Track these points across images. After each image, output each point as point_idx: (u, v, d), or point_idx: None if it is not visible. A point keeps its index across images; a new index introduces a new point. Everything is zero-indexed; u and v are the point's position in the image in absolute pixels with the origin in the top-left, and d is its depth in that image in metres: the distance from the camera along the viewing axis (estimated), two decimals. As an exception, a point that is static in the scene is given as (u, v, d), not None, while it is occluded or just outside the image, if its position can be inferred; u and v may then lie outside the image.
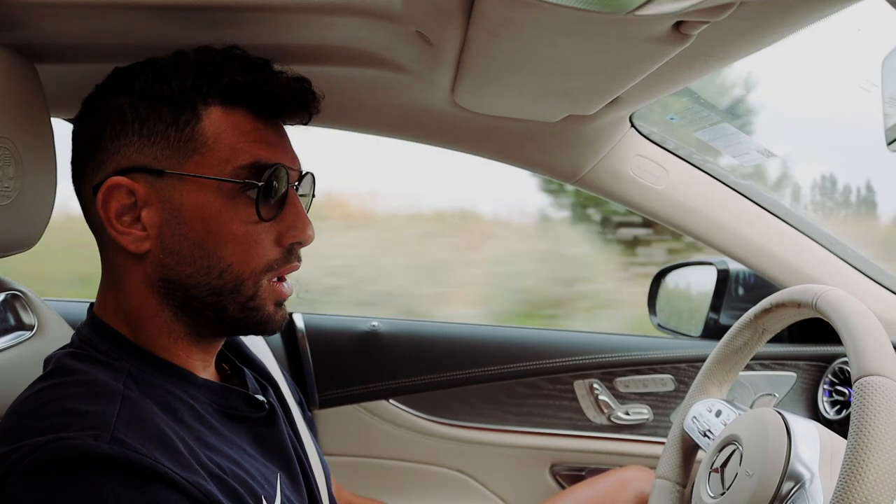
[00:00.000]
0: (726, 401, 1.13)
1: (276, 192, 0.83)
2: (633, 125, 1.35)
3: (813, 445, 0.90)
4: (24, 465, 0.67)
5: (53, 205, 0.93)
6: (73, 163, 0.87)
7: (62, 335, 1.08)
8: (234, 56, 0.85)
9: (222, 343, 0.93)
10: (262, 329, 0.87)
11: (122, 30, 0.92)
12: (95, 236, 0.87)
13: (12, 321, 1.04)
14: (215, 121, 0.81)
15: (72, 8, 0.88)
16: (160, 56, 0.86)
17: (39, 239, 0.95)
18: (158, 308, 0.84)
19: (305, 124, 0.92)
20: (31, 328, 1.05)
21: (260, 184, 0.81)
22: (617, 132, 1.33)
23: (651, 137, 1.37)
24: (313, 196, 0.94)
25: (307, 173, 0.90)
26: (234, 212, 0.81)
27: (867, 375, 0.77)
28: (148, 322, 0.84)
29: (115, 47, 0.94)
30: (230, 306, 0.83)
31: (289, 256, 0.86)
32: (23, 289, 1.09)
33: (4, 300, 1.04)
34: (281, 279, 0.87)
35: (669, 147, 1.39)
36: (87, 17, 0.90)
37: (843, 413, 1.50)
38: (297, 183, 0.88)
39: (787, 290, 1.01)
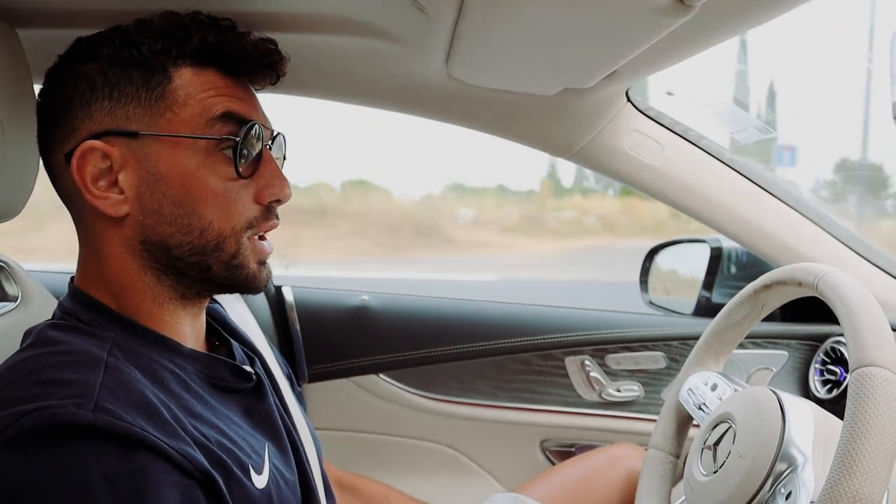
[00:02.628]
0: (722, 374, 1.12)
1: (252, 148, 0.84)
2: (629, 100, 1.33)
3: (807, 427, 0.89)
4: (6, 435, 0.66)
5: (37, 173, 0.91)
6: (40, 134, 0.86)
7: (46, 306, 1.06)
8: (200, 19, 0.85)
9: (206, 303, 0.92)
10: (248, 286, 0.87)
11: None
12: (68, 206, 0.86)
13: (-5, 292, 1.02)
14: (186, 80, 0.82)
15: None
16: (125, 23, 0.85)
17: (23, 208, 0.93)
18: (141, 272, 0.83)
19: (273, 85, 0.91)
20: (14, 299, 1.03)
21: (237, 139, 0.81)
22: (613, 107, 1.31)
23: (647, 113, 1.36)
24: (285, 158, 0.94)
25: (278, 133, 0.91)
26: (212, 169, 0.81)
27: (866, 366, 0.76)
28: (131, 288, 0.83)
29: (99, 13, 0.93)
30: (214, 265, 0.83)
31: (268, 214, 0.86)
32: (6, 259, 1.07)
33: (-13, 271, 1.02)
34: (261, 237, 0.88)
35: (665, 123, 1.37)
36: None
37: (835, 392, 1.50)
38: (270, 143, 0.88)
39: (790, 266, 1.00)
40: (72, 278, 0.87)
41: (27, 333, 0.82)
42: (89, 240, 0.84)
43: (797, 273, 0.97)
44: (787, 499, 0.84)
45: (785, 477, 0.86)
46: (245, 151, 0.83)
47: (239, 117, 0.83)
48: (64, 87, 0.82)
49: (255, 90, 0.90)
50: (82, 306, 0.83)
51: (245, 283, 0.86)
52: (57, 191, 0.86)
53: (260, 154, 0.85)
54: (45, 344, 0.77)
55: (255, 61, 0.86)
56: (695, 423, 1.11)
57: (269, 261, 0.90)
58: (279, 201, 0.87)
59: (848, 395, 0.76)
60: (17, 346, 0.80)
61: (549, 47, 0.93)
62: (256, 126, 0.84)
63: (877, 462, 0.71)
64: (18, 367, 0.74)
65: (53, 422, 0.66)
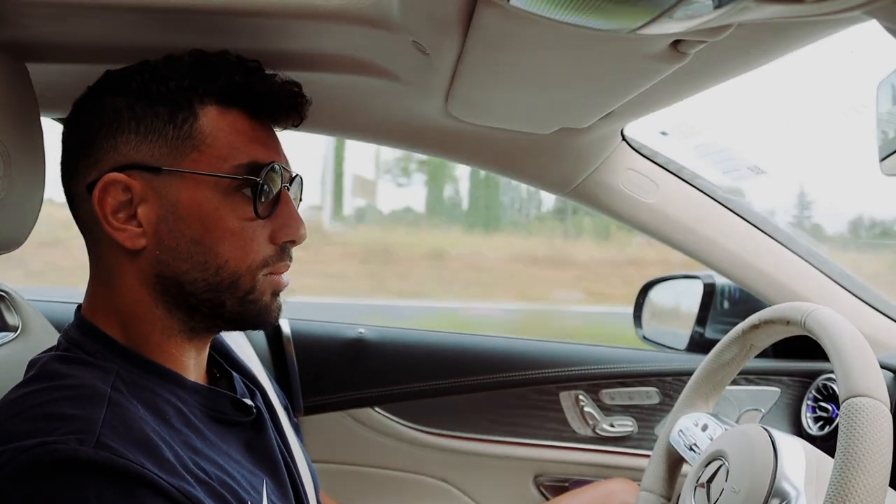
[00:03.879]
0: (712, 415, 1.13)
1: (271, 190, 0.85)
2: (624, 139, 1.35)
3: (799, 463, 0.90)
4: (8, 469, 0.66)
5: (41, 204, 0.92)
6: (63, 162, 0.87)
7: (46, 336, 1.07)
8: (228, 59, 0.86)
9: (212, 338, 0.93)
10: (260, 322, 0.88)
11: (114, 31, 0.92)
12: (85, 235, 0.87)
13: (-5, 322, 1.03)
14: (212, 120, 0.83)
15: (63, 7, 0.87)
16: (153, 59, 0.86)
17: (27, 238, 0.94)
18: (153, 305, 0.84)
19: (296, 127, 0.93)
20: (14, 329, 1.04)
21: (258, 180, 0.82)
22: (609, 145, 1.33)
23: (642, 151, 1.38)
24: (300, 200, 0.95)
25: (297, 175, 0.92)
26: (232, 208, 0.82)
27: (855, 396, 0.78)
28: (141, 320, 0.84)
29: (107, 49, 0.94)
30: (228, 301, 0.84)
31: (282, 255, 0.87)
32: (7, 289, 1.08)
33: (-11, 301, 1.03)
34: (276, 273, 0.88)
35: (660, 161, 1.39)
36: (78, 16, 0.89)
37: (826, 430, 1.50)
38: (288, 184, 0.89)
39: (776, 307, 1.01)
40: (79, 307, 0.87)
41: (31, 364, 0.82)
42: (103, 270, 0.85)
43: (785, 312, 0.99)
44: None
45: None
46: (264, 193, 0.84)
47: (261, 164, 0.84)
48: (91, 118, 0.84)
49: (278, 126, 0.92)
50: (88, 337, 0.83)
51: (257, 318, 0.87)
52: (75, 218, 0.87)
53: (279, 195, 0.86)
54: (50, 377, 0.77)
55: (279, 103, 0.87)
56: (686, 464, 1.11)
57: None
58: (294, 242, 0.88)
59: (839, 425, 0.78)
60: (16, 376, 0.81)
61: (547, 89, 0.95)
62: (277, 167, 0.85)
63: (870, 490, 0.73)
64: (22, 400, 0.74)
65: (55, 457, 0.67)
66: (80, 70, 0.88)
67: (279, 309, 0.89)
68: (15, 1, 0.85)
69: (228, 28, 0.91)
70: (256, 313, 0.86)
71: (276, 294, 0.88)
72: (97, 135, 0.82)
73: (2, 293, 1.06)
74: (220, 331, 0.92)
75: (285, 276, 0.89)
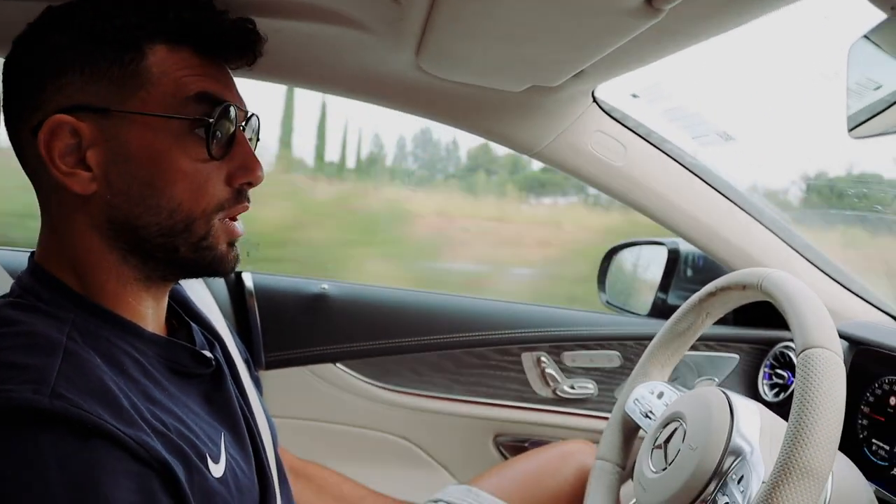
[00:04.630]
0: (668, 383, 1.15)
1: (225, 129, 0.82)
2: (595, 100, 1.34)
3: (754, 422, 0.93)
4: None
5: None
6: (5, 105, 0.83)
7: (1, 283, 1.04)
8: None
9: (170, 287, 0.91)
10: (215, 269, 0.86)
11: None
12: (33, 181, 0.84)
13: (-54, 267, 1.00)
14: (161, 58, 0.79)
15: None
16: None
17: None
18: (106, 251, 0.81)
19: (250, 66, 0.90)
20: None
21: (211, 120, 0.80)
22: (579, 106, 1.33)
23: (612, 114, 1.37)
24: (258, 140, 0.93)
25: (252, 115, 0.89)
26: (184, 149, 0.80)
27: (811, 348, 0.81)
28: (95, 267, 0.82)
29: None
30: (182, 247, 0.82)
31: (239, 196, 0.85)
32: (-41, 233, 1.05)
33: (-60, 244, 1.00)
34: (232, 218, 0.86)
35: (629, 124, 1.39)
36: None
37: (781, 396, 1.54)
38: (243, 124, 0.87)
39: (733, 273, 1.03)
40: (32, 253, 0.85)
41: None
42: (53, 215, 0.83)
43: (741, 278, 1.00)
44: (739, 483, 0.87)
45: (735, 465, 0.89)
46: (218, 133, 0.81)
47: (214, 98, 0.81)
48: (33, 58, 0.80)
49: (231, 70, 0.89)
50: (42, 285, 0.81)
51: (213, 265, 0.85)
52: (21, 163, 0.84)
53: (233, 136, 0.84)
54: (4, 324, 0.75)
55: (231, 41, 0.84)
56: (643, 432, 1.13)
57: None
58: (251, 184, 0.86)
59: (796, 375, 0.81)
60: None
61: (519, 44, 0.94)
62: (231, 107, 0.82)
63: (826, 435, 0.75)
64: None
65: (9, 406, 0.65)
66: (21, 6, 0.84)
67: (236, 258, 0.87)
68: None
69: None
70: (211, 260, 0.84)
71: (231, 244, 0.86)
72: (40, 75, 0.79)
73: (-47, 237, 1.03)
74: (177, 279, 0.90)
75: (239, 224, 0.87)
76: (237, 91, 0.87)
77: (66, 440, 0.66)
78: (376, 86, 1.30)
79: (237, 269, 1.66)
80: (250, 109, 0.89)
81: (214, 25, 0.82)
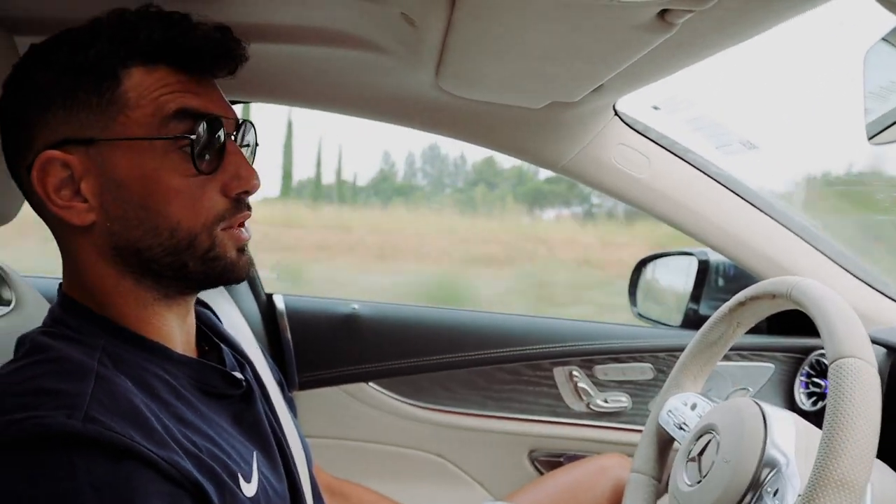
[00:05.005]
0: (701, 394, 1.14)
1: (211, 143, 0.81)
2: (616, 113, 1.35)
3: (789, 433, 0.91)
4: None
5: None
6: (4, 146, 0.84)
7: (40, 311, 1.06)
8: (149, 14, 0.81)
9: (193, 301, 0.91)
10: (228, 277, 0.85)
11: (98, 4, 0.91)
12: (42, 218, 0.85)
13: (-11, 296, 1.03)
14: (137, 81, 0.79)
15: None
16: (77, 26, 0.82)
17: (16, 214, 0.94)
18: (119, 277, 0.82)
19: (232, 74, 0.87)
20: (8, 304, 1.04)
21: (192, 136, 0.79)
22: (600, 120, 1.33)
23: (634, 126, 1.38)
24: (257, 145, 0.92)
25: (244, 122, 0.88)
26: (172, 168, 0.79)
27: (842, 358, 0.80)
28: (113, 294, 0.83)
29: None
30: (189, 262, 0.82)
31: (238, 206, 0.84)
32: (1, 264, 1.08)
33: (-19, 276, 1.03)
34: (239, 225, 0.85)
35: (652, 136, 1.39)
36: None
37: (819, 405, 1.51)
38: (234, 133, 0.86)
39: (762, 282, 1.02)
40: (60, 284, 0.87)
41: (20, 342, 0.82)
42: (65, 248, 0.84)
43: (770, 286, 0.99)
44: (774, 495, 0.86)
45: (770, 478, 0.88)
46: (204, 146, 0.80)
47: (194, 112, 0.80)
48: (19, 97, 0.81)
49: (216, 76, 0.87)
50: (70, 314, 0.82)
51: (224, 273, 0.84)
52: (28, 201, 0.85)
53: (223, 146, 0.83)
54: (36, 353, 0.77)
55: (206, 53, 0.82)
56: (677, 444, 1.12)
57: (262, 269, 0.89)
58: (247, 193, 0.85)
59: (828, 387, 0.79)
60: (10, 349, 0.81)
61: (536, 61, 0.95)
62: (213, 119, 0.81)
63: (860, 447, 0.74)
64: (9, 376, 0.74)
65: (43, 431, 0.67)
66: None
67: (248, 263, 0.87)
68: None
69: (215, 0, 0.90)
70: (222, 269, 0.84)
71: (241, 250, 0.85)
72: (27, 113, 0.80)
73: (-4, 269, 1.06)
74: (195, 292, 0.89)
75: (246, 230, 0.86)
76: (223, 101, 0.86)
77: (100, 462, 0.67)
78: (398, 107, 1.31)
79: (269, 293, 1.71)
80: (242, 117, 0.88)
81: (186, 40, 0.81)
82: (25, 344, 0.80)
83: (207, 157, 0.81)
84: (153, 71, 0.80)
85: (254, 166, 0.87)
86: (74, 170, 0.78)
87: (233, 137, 0.85)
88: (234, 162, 0.83)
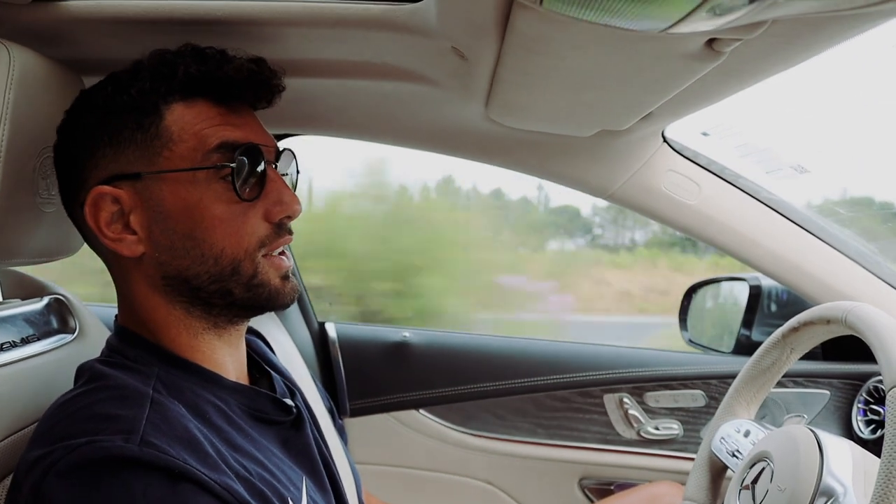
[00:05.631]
0: (755, 421, 1.12)
1: (251, 170, 0.84)
2: (665, 140, 1.35)
3: (846, 461, 0.90)
4: (59, 467, 0.69)
5: None
6: (60, 188, 0.89)
7: (102, 339, 1.09)
8: (186, 51, 0.86)
9: (244, 330, 0.93)
10: (273, 303, 0.87)
11: (162, 43, 0.95)
12: (96, 251, 0.89)
13: (55, 324, 1.06)
14: (178, 116, 0.83)
15: (117, 23, 0.91)
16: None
17: (81, 246, 0.98)
18: (170, 307, 0.85)
19: (270, 104, 0.91)
20: (72, 331, 1.07)
21: (232, 164, 0.82)
22: (649, 147, 1.33)
23: (683, 153, 1.37)
24: (297, 173, 0.95)
25: (285, 149, 0.91)
26: (215, 196, 0.82)
27: None
28: (165, 323, 0.86)
29: None
30: (235, 289, 0.84)
31: (279, 231, 0.87)
32: (65, 293, 1.12)
33: (48, 304, 1.07)
34: (281, 253, 0.88)
35: (702, 162, 1.39)
36: (130, 31, 0.93)
37: (879, 433, 1.48)
38: (274, 161, 0.89)
39: (816, 307, 1.01)
40: (116, 315, 0.90)
41: (79, 371, 0.85)
42: (118, 281, 0.88)
43: (824, 312, 0.98)
44: None
45: None
46: (244, 174, 0.83)
47: (234, 144, 0.83)
48: (70, 140, 0.86)
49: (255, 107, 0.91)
50: (126, 343, 0.86)
51: (269, 301, 0.87)
52: (84, 238, 0.90)
53: (264, 173, 0.86)
54: (95, 380, 0.80)
55: (241, 84, 0.86)
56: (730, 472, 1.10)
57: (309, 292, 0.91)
58: (289, 217, 0.87)
59: (886, 415, 0.78)
60: (74, 374, 0.85)
61: (584, 91, 0.96)
62: (251, 148, 0.84)
63: None
64: (69, 403, 0.78)
65: (102, 455, 0.69)
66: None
67: (293, 290, 0.89)
68: (70, 19, 0.89)
69: (270, 38, 0.93)
70: (267, 296, 0.86)
71: (285, 277, 0.88)
72: (78, 155, 0.84)
73: (61, 297, 1.10)
74: (244, 320, 0.92)
75: (287, 257, 0.89)
76: (262, 130, 0.89)
77: (156, 485, 0.70)
78: (449, 138, 1.33)
79: (321, 321, 1.73)
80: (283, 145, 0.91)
81: (223, 74, 0.84)
82: (85, 373, 0.83)
83: (249, 184, 0.84)
84: (193, 105, 0.84)
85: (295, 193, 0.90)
86: (123, 204, 0.82)
87: (274, 166, 0.88)
88: (276, 188, 0.86)
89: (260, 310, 0.89)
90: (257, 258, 0.85)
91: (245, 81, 0.86)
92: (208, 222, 0.82)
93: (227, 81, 0.84)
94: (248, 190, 0.84)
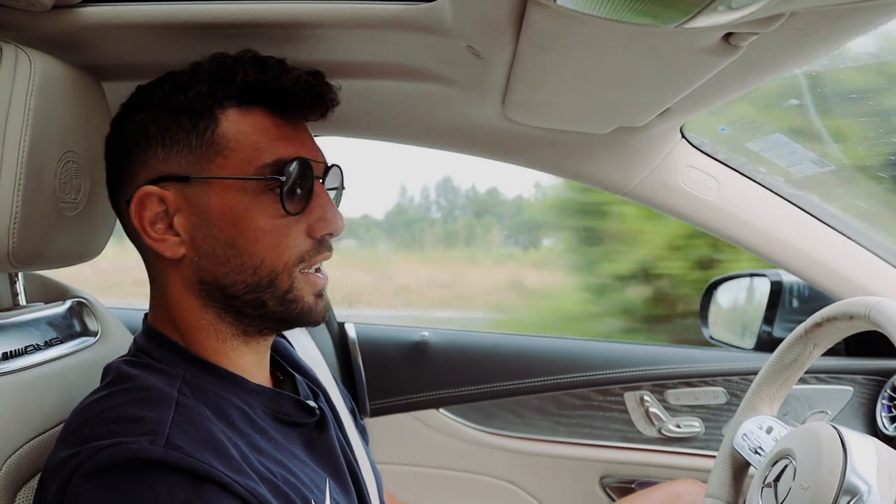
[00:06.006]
0: (777, 417, 1.11)
1: (300, 186, 0.84)
2: (683, 136, 1.34)
3: (870, 459, 0.88)
4: (85, 468, 0.70)
5: (117, 218, 0.97)
6: (108, 182, 0.90)
7: (124, 341, 1.11)
8: (246, 58, 0.86)
9: (271, 340, 0.94)
10: (304, 320, 0.88)
11: (180, 48, 0.96)
12: (137, 248, 0.90)
13: (77, 327, 1.08)
14: (233, 122, 0.83)
15: (135, 28, 0.92)
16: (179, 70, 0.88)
17: (102, 250, 0.99)
18: (202, 310, 0.86)
19: (323, 117, 0.92)
20: (94, 334, 1.08)
21: (283, 178, 0.82)
22: (668, 143, 1.33)
23: (702, 148, 1.37)
24: (343, 188, 0.95)
25: (333, 166, 0.91)
26: (262, 208, 0.83)
27: None
28: (195, 326, 0.86)
29: (176, 65, 0.98)
30: (269, 301, 0.85)
31: (319, 247, 0.87)
32: (87, 296, 1.13)
33: (70, 307, 1.08)
34: (317, 270, 0.88)
35: (721, 158, 1.38)
36: (149, 36, 0.94)
37: (903, 429, 1.46)
38: (322, 176, 0.89)
39: (839, 303, 0.99)
40: (146, 315, 0.91)
41: (105, 371, 0.86)
42: (155, 279, 0.89)
43: (848, 307, 0.97)
44: None
45: None
46: (293, 189, 0.84)
47: (286, 161, 0.83)
48: (123, 135, 0.87)
49: (311, 123, 0.91)
50: (154, 343, 0.87)
51: (301, 317, 0.87)
52: (126, 233, 0.90)
53: (311, 189, 0.86)
54: (121, 381, 0.81)
55: (299, 96, 0.86)
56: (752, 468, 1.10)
57: (331, 298, 0.91)
58: (331, 234, 0.88)
59: None
60: (97, 376, 0.86)
61: (601, 88, 0.96)
62: (302, 163, 0.84)
63: None
64: (95, 404, 0.78)
65: (128, 456, 0.70)
66: (119, 87, 0.92)
67: (325, 309, 0.90)
68: (90, 25, 0.90)
69: (287, 40, 0.94)
70: (299, 312, 0.87)
71: (319, 295, 0.88)
72: (129, 151, 0.85)
73: (83, 300, 1.11)
74: (273, 333, 0.93)
75: (322, 275, 0.89)
76: (314, 145, 0.89)
77: (181, 487, 0.70)
78: (466, 137, 1.34)
79: (341, 321, 1.74)
80: (332, 161, 0.92)
81: (281, 84, 0.84)
82: (110, 373, 0.84)
83: (296, 199, 0.84)
84: (248, 113, 0.84)
85: (339, 209, 0.91)
86: (169, 205, 0.83)
87: (321, 181, 0.88)
88: (321, 204, 0.87)
89: (290, 324, 0.90)
90: (295, 273, 0.85)
91: (302, 93, 0.86)
92: (252, 233, 0.83)
93: (284, 92, 0.85)
94: (293, 204, 0.84)
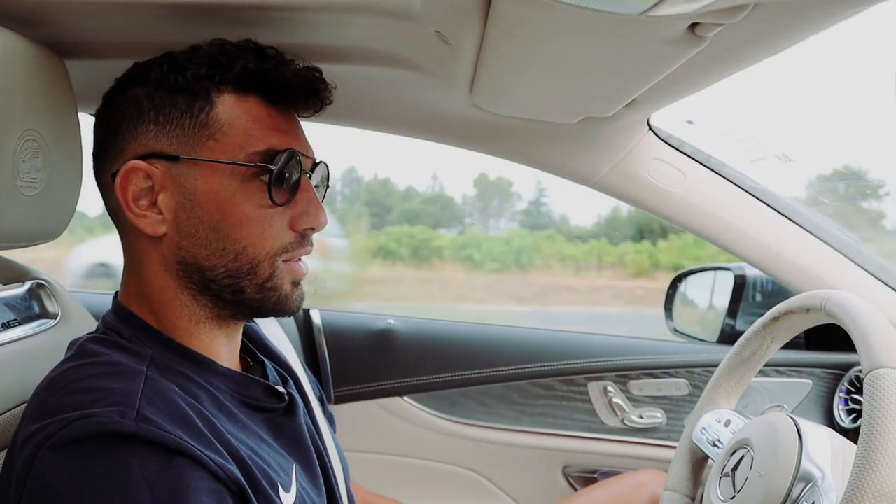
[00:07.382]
0: (737, 410, 1.13)
1: (288, 177, 0.85)
2: (650, 128, 1.35)
3: (824, 447, 0.91)
4: (53, 441, 0.69)
5: (79, 196, 0.95)
6: (94, 154, 0.89)
7: (84, 324, 1.10)
8: (247, 46, 0.87)
9: (243, 325, 0.94)
10: (281, 309, 0.89)
11: (145, 27, 0.94)
12: (115, 223, 0.89)
13: (37, 309, 1.06)
14: (229, 107, 0.84)
15: (99, 6, 0.90)
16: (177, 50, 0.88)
17: (64, 229, 0.97)
18: (178, 291, 0.86)
19: (318, 115, 0.93)
20: (54, 317, 1.07)
21: (273, 168, 0.83)
22: (634, 135, 1.33)
23: (669, 141, 1.38)
24: (327, 186, 0.96)
25: (320, 162, 0.92)
26: (248, 195, 0.83)
27: (878, 368, 0.79)
28: (169, 306, 0.86)
29: (140, 44, 0.97)
30: (248, 288, 0.85)
31: (302, 241, 0.88)
32: (47, 279, 1.11)
33: (29, 289, 1.06)
34: (297, 260, 0.89)
35: (687, 151, 1.39)
36: (113, 14, 0.92)
37: (860, 421, 1.49)
38: (310, 171, 0.90)
39: (796, 297, 1.01)
40: (116, 293, 0.90)
41: (71, 344, 0.85)
42: (131, 257, 0.88)
43: (805, 300, 0.99)
44: None
45: (806, 491, 0.87)
46: (281, 180, 0.84)
47: (277, 151, 0.84)
48: (115, 109, 0.86)
49: (300, 117, 0.92)
50: (124, 322, 0.86)
51: (278, 305, 0.88)
52: (105, 207, 0.90)
53: (298, 182, 0.87)
54: (87, 356, 0.80)
55: (297, 89, 0.87)
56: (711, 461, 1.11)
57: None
58: (313, 229, 0.89)
59: (864, 397, 0.78)
60: (57, 359, 0.84)
61: (568, 76, 0.96)
62: (293, 155, 0.85)
63: None
64: (62, 376, 0.77)
65: (98, 429, 0.70)
66: (114, 66, 0.91)
67: (301, 297, 0.90)
68: (55, 2, 0.88)
69: (254, 21, 0.93)
70: (276, 301, 0.87)
71: (296, 283, 0.89)
72: (120, 125, 0.85)
73: (42, 282, 1.09)
74: (247, 319, 0.93)
75: (303, 264, 0.90)
76: (304, 138, 0.90)
77: (153, 461, 0.70)
78: (433, 123, 1.33)
79: (306, 308, 1.73)
80: (319, 157, 0.92)
81: (280, 75, 0.86)
82: (76, 348, 0.83)
83: (283, 189, 0.85)
84: (244, 100, 0.85)
85: (323, 205, 0.91)
86: (155, 182, 0.83)
87: (308, 175, 0.89)
88: (306, 198, 0.88)
89: (266, 313, 0.90)
90: (277, 262, 0.86)
91: (300, 87, 0.88)
92: (236, 218, 0.83)
93: (282, 83, 0.86)
94: (280, 195, 0.85)
